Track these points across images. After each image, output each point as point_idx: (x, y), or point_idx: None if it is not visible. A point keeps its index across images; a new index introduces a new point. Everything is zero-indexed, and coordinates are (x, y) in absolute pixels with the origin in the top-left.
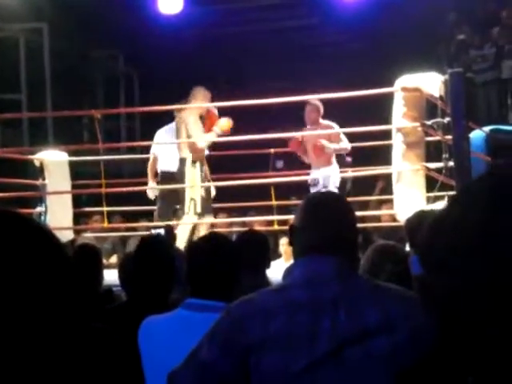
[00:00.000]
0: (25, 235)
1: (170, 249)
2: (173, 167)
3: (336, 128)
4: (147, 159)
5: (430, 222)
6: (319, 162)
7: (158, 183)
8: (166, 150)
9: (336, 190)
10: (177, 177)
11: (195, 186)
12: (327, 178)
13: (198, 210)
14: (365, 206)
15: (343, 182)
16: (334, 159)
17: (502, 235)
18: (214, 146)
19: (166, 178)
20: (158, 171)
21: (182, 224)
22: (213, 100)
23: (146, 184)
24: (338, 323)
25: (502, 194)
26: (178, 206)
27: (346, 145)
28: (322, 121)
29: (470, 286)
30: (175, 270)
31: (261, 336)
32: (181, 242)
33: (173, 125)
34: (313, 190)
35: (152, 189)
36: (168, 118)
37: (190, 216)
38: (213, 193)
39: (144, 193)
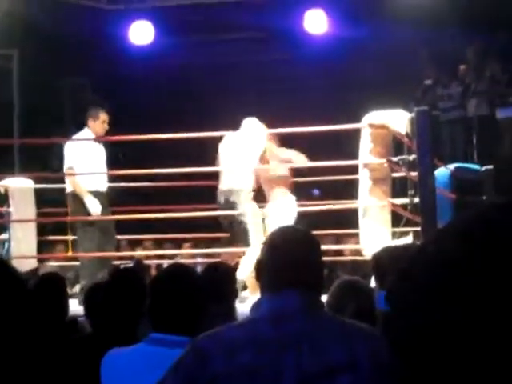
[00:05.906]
0: None
1: (143, 280)
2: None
3: None
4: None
5: (400, 265)
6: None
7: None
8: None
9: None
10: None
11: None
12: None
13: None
14: (334, 240)
15: None
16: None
17: (471, 280)
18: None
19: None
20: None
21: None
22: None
23: (113, 214)
24: (301, 360)
25: (475, 239)
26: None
27: None
28: None
29: (434, 326)
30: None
31: (225, 371)
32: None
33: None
34: None
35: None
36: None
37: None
38: None
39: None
